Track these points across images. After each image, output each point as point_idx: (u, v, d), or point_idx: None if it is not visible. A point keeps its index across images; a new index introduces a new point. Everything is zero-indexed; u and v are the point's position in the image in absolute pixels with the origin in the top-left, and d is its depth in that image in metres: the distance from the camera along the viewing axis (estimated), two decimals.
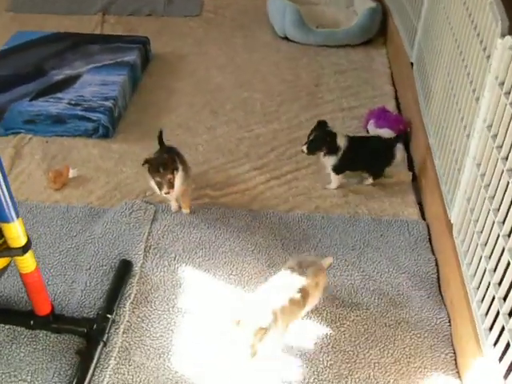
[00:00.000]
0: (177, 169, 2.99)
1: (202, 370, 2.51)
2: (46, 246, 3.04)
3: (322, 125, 3.28)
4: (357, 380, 2.46)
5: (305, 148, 3.26)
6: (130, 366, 2.52)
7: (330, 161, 3.30)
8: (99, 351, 2.53)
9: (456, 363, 2.54)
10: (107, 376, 2.48)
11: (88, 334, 2.57)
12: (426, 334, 2.64)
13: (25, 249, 2.29)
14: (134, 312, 2.73)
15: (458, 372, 2.51)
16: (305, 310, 2.55)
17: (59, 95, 3.88)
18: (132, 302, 2.77)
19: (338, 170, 3.34)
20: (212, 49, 4.95)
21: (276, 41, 5.03)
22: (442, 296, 2.83)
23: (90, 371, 2.46)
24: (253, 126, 3.93)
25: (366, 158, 3.36)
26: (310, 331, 2.65)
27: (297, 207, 3.31)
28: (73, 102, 3.81)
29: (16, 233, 2.23)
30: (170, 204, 3.23)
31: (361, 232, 3.14)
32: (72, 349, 2.57)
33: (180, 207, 3.25)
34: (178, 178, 3.00)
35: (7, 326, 2.65)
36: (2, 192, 2.11)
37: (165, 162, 2.95)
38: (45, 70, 4.22)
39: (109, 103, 3.79)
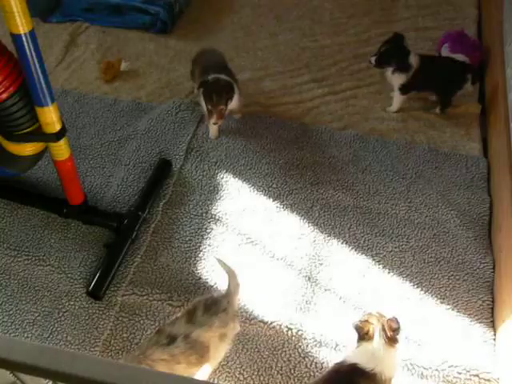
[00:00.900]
0: (231, 98, 2.82)
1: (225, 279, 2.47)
2: (88, 137, 3.01)
3: (397, 38, 2.99)
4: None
5: (373, 59, 2.99)
6: (154, 265, 2.51)
7: (398, 79, 3.02)
8: (126, 247, 2.52)
9: (492, 312, 2.38)
10: (131, 272, 2.48)
11: (117, 228, 2.57)
12: (465, 277, 2.47)
13: (59, 135, 2.25)
14: (166, 213, 2.70)
15: (492, 321, 2.35)
16: (204, 367, 2.03)
17: None
18: (166, 203, 2.73)
19: (404, 89, 3.07)
20: None
21: None
22: (490, 241, 2.62)
23: (116, 265, 2.47)
24: (318, 37, 3.66)
25: (437, 78, 3.06)
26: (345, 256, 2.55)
27: (351, 126, 3.10)
28: None
29: (50, 118, 2.18)
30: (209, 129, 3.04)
31: (415, 161, 2.92)
32: (101, 241, 2.58)
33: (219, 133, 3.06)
34: (231, 102, 2.85)
35: (42, 212, 2.68)
36: (38, 76, 2.05)
37: (220, 90, 2.77)
38: None
39: None
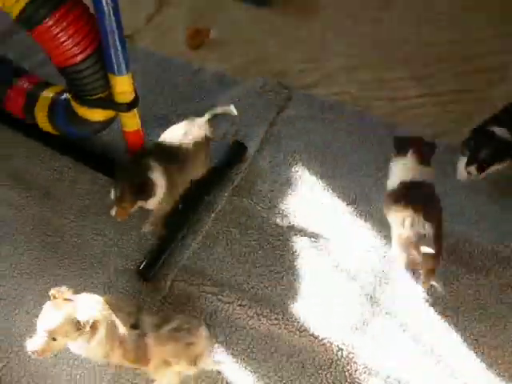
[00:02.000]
0: (145, 199, 2.18)
1: (282, 280, 2.32)
2: (164, 105, 2.89)
3: (483, 132, 2.42)
4: None
5: (473, 169, 2.39)
6: (210, 254, 2.39)
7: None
8: (182, 232, 2.41)
9: None
10: (185, 258, 2.37)
11: (178, 209, 2.43)
12: None
13: (130, 106, 2.14)
14: (231, 200, 2.55)
15: None
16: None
17: None
18: (233, 189, 2.58)
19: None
20: None
21: None
22: None
23: (170, 248, 2.36)
24: (425, 29, 3.32)
25: None
26: None
27: (444, 135, 2.78)
28: None
29: (123, 87, 2.07)
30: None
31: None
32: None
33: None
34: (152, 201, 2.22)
35: (105, 178, 2.59)
36: (114, 41, 1.92)
37: (132, 184, 2.14)
38: None
39: None
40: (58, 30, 1.92)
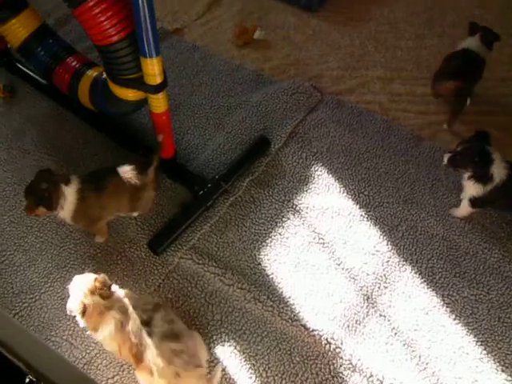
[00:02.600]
0: (49, 206, 2.21)
1: (285, 270, 2.41)
2: (201, 96, 3.04)
3: (479, 137, 2.42)
4: None
5: (446, 158, 2.43)
6: (220, 238, 2.50)
7: (472, 188, 2.42)
8: (199, 212, 2.53)
9: None
10: (196, 238, 2.49)
11: (197, 192, 2.57)
12: None
13: (157, 88, 2.28)
14: (249, 190, 2.66)
15: None
16: None
17: None
18: (252, 180, 2.69)
19: (476, 203, 2.48)
20: None
21: None
22: None
23: (182, 227, 2.49)
24: None
25: None
26: None
27: None
28: None
29: (152, 70, 2.20)
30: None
31: None
32: (178, 200, 2.61)
33: None
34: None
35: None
36: (146, 27, 2.06)
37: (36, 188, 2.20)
38: None
39: None
40: (97, 10, 2.09)
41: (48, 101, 3.03)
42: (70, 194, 2.23)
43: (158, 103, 2.36)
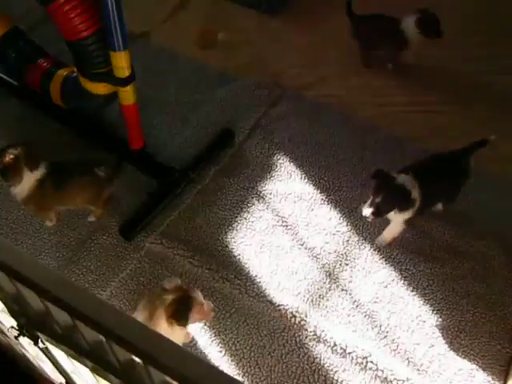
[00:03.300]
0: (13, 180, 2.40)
1: (251, 251, 2.54)
2: (168, 94, 3.18)
3: (383, 177, 2.35)
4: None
5: (369, 213, 2.32)
6: (189, 224, 2.63)
7: (402, 216, 2.42)
8: (168, 200, 2.66)
9: (510, 362, 2.24)
10: (165, 225, 2.62)
11: (164, 181, 2.70)
12: (491, 318, 2.36)
13: (126, 80, 2.41)
14: (215, 179, 2.80)
15: (506, 371, 2.22)
16: None
17: None
18: (218, 170, 2.83)
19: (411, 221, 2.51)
20: None
21: None
22: None
23: (152, 214, 2.61)
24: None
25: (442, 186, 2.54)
26: None
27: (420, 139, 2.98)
28: None
29: (120, 63, 2.34)
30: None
31: (484, 193, 2.79)
32: (147, 189, 2.71)
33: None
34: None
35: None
36: (114, 22, 2.20)
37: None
38: None
39: None
40: (68, 7, 2.23)
41: (20, 102, 3.12)
42: (28, 175, 2.39)
43: (127, 95, 2.49)
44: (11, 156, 2.33)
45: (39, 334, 1.23)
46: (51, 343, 1.25)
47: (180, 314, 1.88)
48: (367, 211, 2.34)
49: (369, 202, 2.35)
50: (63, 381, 1.67)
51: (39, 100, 3.00)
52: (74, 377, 1.60)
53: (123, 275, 2.45)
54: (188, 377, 0.87)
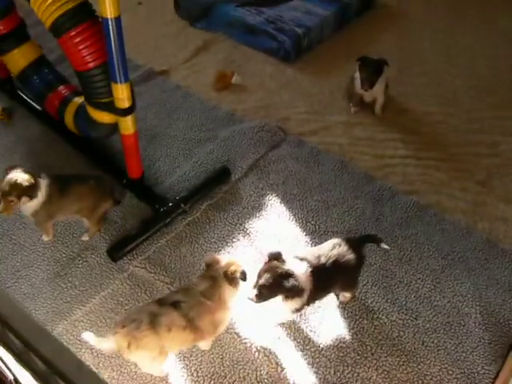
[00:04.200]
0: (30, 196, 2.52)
1: None
2: (176, 129, 3.37)
3: (274, 257, 2.26)
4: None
5: (254, 296, 2.19)
6: (173, 252, 2.74)
7: (293, 303, 2.27)
8: (157, 228, 2.79)
9: None
10: (151, 250, 2.74)
11: (157, 210, 2.84)
12: (458, 376, 2.33)
13: (126, 111, 2.57)
14: (206, 212, 2.91)
15: None
16: None
17: (263, 9, 4.07)
18: (210, 204, 2.95)
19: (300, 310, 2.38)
20: (445, 14, 4.60)
21: None
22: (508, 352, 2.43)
23: (140, 239, 2.74)
24: (431, 103, 3.66)
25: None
26: None
27: (416, 193, 3.05)
28: (270, 19, 3.97)
29: (121, 94, 2.51)
30: None
31: (464, 246, 2.80)
32: (140, 216, 2.86)
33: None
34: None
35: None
36: (117, 56, 2.37)
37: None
38: None
39: (299, 30, 3.85)
40: (77, 40, 2.44)
41: (40, 124, 3.38)
42: (42, 188, 2.55)
43: (127, 125, 2.65)
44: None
45: None
46: None
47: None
48: (251, 294, 2.20)
49: (253, 283, 2.24)
50: (12, 378, 1.78)
51: (56, 124, 3.23)
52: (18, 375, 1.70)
53: (104, 293, 2.57)
54: None
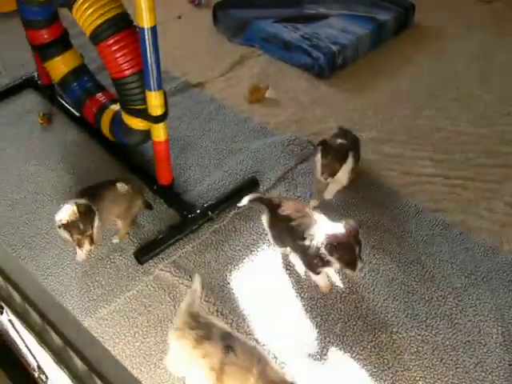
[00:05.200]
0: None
1: (250, 292, 2.67)
2: (208, 140, 3.47)
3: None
4: None
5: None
6: (199, 258, 2.81)
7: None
8: (184, 234, 2.87)
9: None
10: (177, 255, 2.81)
11: (185, 217, 2.92)
12: None
13: (157, 119, 2.68)
14: (233, 221, 2.98)
15: None
16: None
17: (299, 26, 4.15)
18: (237, 213, 3.01)
19: None
20: (475, 36, 4.58)
21: None
22: None
23: (167, 244, 2.82)
24: (462, 122, 3.64)
25: None
26: None
27: (443, 211, 3.04)
28: (306, 36, 4.04)
29: (154, 102, 2.61)
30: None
31: (489, 266, 2.77)
32: (169, 222, 2.95)
33: None
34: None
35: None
36: (151, 64, 2.48)
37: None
38: (302, 1, 4.53)
39: (334, 48, 3.91)
40: (115, 48, 2.57)
41: (77, 129, 3.52)
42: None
43: (159, 132, 2.75)
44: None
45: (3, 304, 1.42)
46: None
47: None
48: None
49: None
50: (35, 364, 1.86)
51: (93, 130, 3.36)
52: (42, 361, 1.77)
53: (129, 294, 2.65)
54: None
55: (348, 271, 2.48)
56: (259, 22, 4.22)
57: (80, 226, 2.52)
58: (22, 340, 1.69)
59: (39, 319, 1.18)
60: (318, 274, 2.59)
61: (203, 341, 2.11)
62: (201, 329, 2.15)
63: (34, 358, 1.81)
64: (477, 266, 2.80)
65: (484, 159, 3.37)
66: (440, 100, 3.86)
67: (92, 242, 2.59)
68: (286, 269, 2.75)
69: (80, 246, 2.58)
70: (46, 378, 1.89)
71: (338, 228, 2.42)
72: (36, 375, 1.92)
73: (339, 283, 2.65)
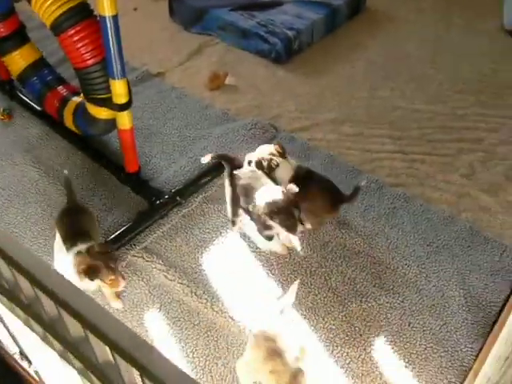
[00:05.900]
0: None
1: (221, 272, 2.73)
2: (171, 128, 3.51)
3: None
4: None
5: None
6: (170, 242, 2.85)
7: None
8: (153, 220, 2.91)
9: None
10: (148, 241, 2.85)
11: (153, 203, 2.96)
12: (442, 354, 2.43)
13: (122, 107, 2.71)
14: (201, 205, 3.04)
15: None
16: None
17: (255, 13, 4.23)
18: (205, 197, 3.07)
19: None
20: (426, 19, 4.75)
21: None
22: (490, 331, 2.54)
23: (137, 230, 2.85)
24: (415, 101, 3.80)
25: None
26: None
27: (403, 185, 3.18)
28: (262, 23, 4.12)
29: (118, 90, 2.64)
30: None
31: (449, 234, 2.91)
32: (137, 209, 2.98)
33: None
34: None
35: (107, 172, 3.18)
36: (114, 53, 2.51)
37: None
38: None
39: (290, 33, 4.00)
40: (76, 38, 2.58)
41: (40, 124, 3.51)
42: None
43: (124, 120, 2.78)
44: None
45: None
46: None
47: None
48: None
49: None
50: (17, 351, 1.89)
51: (55, 123, 3.36)
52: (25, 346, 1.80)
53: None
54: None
55: (290, 235, 2.52)
56: (215, 11, 4.27)
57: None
58: (6, 328, 1.71)
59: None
60: (270, 239, 2.66)
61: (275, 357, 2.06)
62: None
63: (17, 344, 1.84)
64: (437, 234, 2.93)
65: (439, 135, 3.51)
66: (395, 81, 3.99)
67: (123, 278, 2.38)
68: (255, 248, 2.83)
69: (116, 286, 2.38)
70: (30, 363, 1.92)
71: (277, 193, 2.49)
72: (18, 361, 1.95)
73: (298, 247, 2.58)
